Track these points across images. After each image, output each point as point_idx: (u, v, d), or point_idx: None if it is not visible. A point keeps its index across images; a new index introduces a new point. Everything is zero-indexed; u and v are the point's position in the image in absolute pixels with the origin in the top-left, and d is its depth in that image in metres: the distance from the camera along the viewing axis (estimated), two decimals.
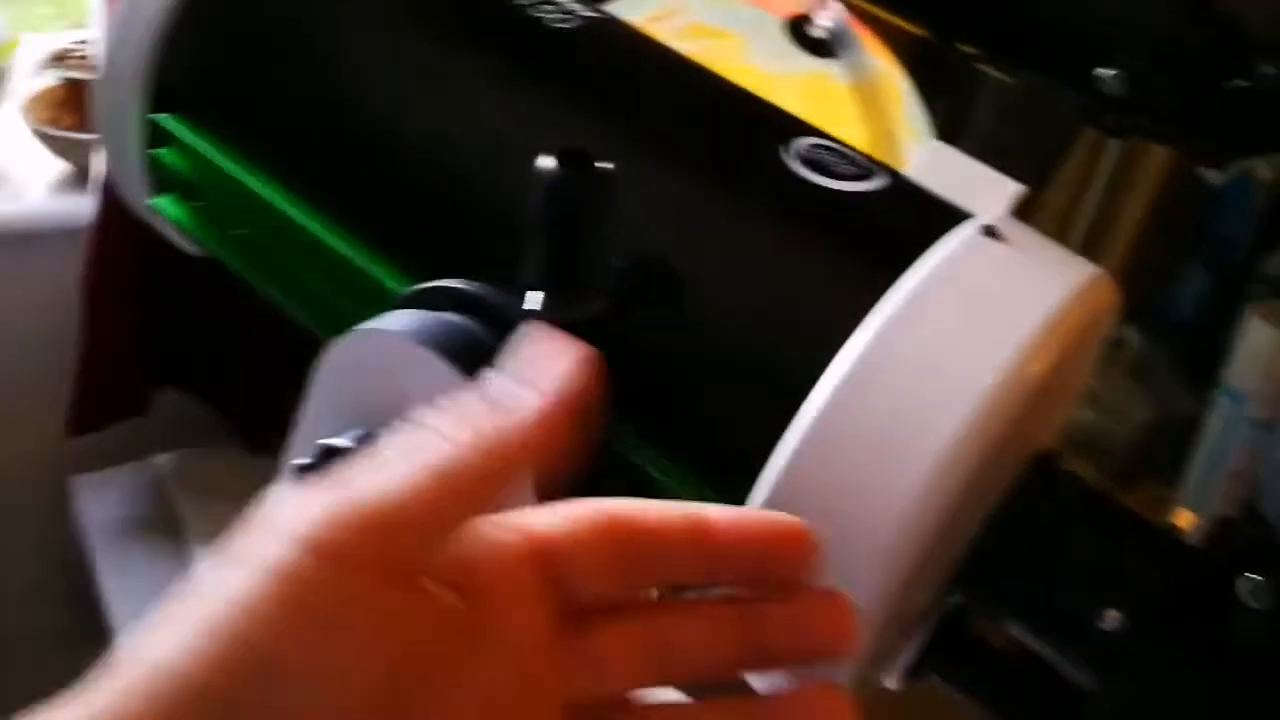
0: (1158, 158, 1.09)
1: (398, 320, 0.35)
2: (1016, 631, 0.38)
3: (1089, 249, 1.15)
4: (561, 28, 0.43)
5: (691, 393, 0.36)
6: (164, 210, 0.46)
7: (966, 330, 0.33)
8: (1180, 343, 1.12)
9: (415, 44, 0.43)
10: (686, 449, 0.35)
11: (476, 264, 0.37)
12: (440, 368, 0.33)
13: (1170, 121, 0.43)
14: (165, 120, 0.45)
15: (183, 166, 0.45)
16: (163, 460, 1.32)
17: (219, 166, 0.43)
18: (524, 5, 0.43)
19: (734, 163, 0.39)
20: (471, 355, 0.33)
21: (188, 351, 1.29)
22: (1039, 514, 0.37)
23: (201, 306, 1.20)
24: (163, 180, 0.46)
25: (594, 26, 0.43)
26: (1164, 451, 1.07)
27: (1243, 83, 0.41)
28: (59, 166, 1.32)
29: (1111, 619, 0.35)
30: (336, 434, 0.34)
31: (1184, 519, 1.00)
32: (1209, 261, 1.12)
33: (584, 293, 0.35)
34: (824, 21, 0.65)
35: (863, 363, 0.33)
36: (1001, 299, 0.34)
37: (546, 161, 0.33)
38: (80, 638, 1.11)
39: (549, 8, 0.44)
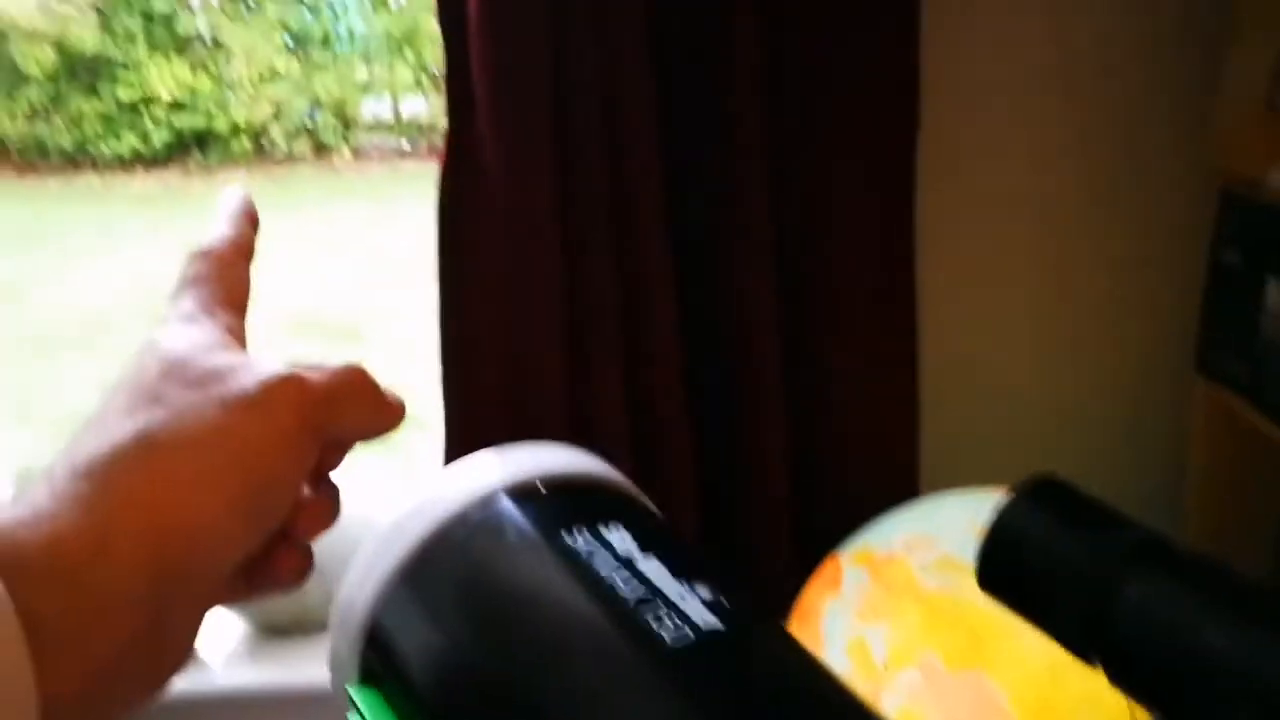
0: None
1: None
2: None
3: None
4: (669, 644, 0.45)
5: None
6: None
7: None
8: None
9: (529, 652, 0.47)
10: None
11: None
12: None
13: None
14: (357, 691, 0.52)
15: None
16: None
17: None
18: (644, 615, 0.47)
19: None
20: None
21: None
22: None
23: None
24: None
25: (706, 644, 0.46)
26: None
27: None
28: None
29: None
30: None
31: None
32: None
33: None
34: None
35: None
36: None
37: None
38: None
39: (671, 618, 0.47)
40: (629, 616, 0.48)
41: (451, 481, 0.57)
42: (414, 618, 0.53)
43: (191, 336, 0.37)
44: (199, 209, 5.15)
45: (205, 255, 0.41)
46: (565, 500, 0.57)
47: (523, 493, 0.57)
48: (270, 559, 0.37)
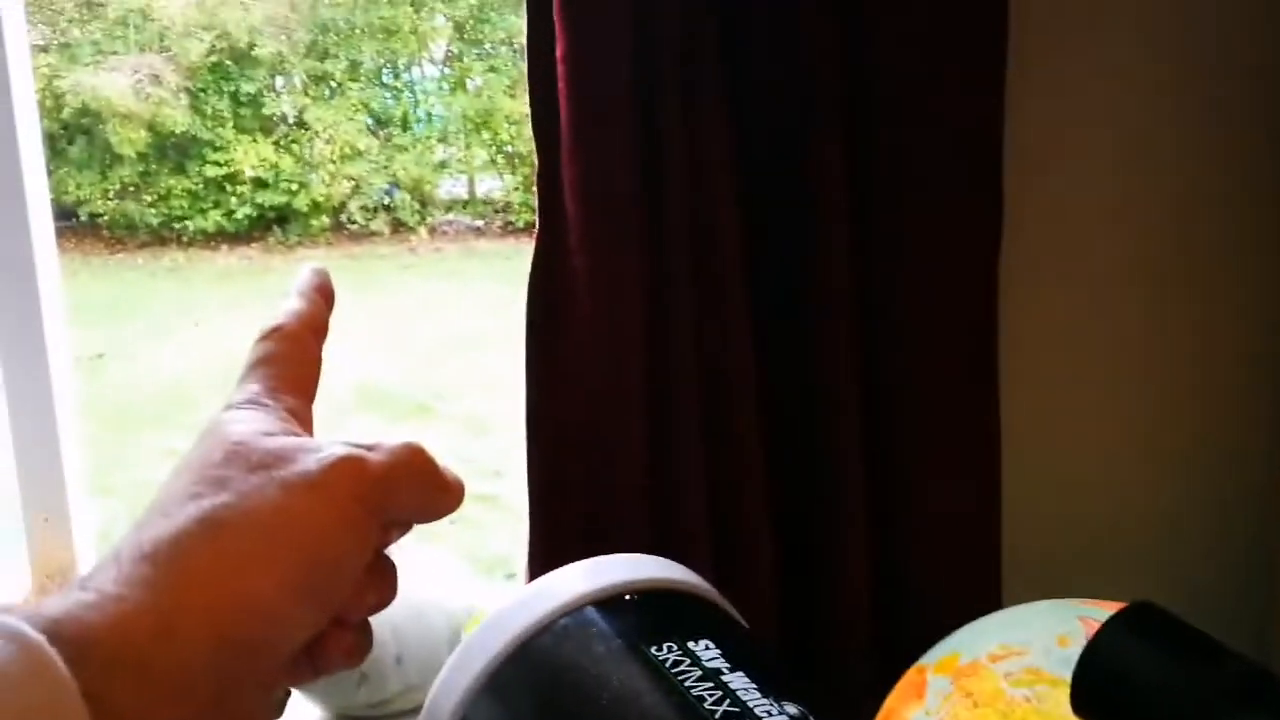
0: None
1: None
2: None
3: None
4: None
5: None
6: None
7: None
8: None
9: None
10: None
11: None
12: None
13: None
14: None
15: None
16: None
17: None
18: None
19: None
20: None
21: None
22: None
23: None
24: None
25: None
26: None
27: None
28: None
29: None
30: None
31: None
32: None
33: None
34: None
35: None
36: None
37: None
38: None
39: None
40: None
41: (541, 590, 0.58)
42: (497, 717, 0.54)
43: (255, 420, 0.38)
44: (278, 284, 5.27)
45: (275, 333, 0.42)
46: (653, 611, 0.57)
47: (610, 603, 0.57)
48: (326, 639, 0.37)
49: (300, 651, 0.36)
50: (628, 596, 0.58)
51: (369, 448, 0.37)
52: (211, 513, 0.34)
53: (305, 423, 0.40)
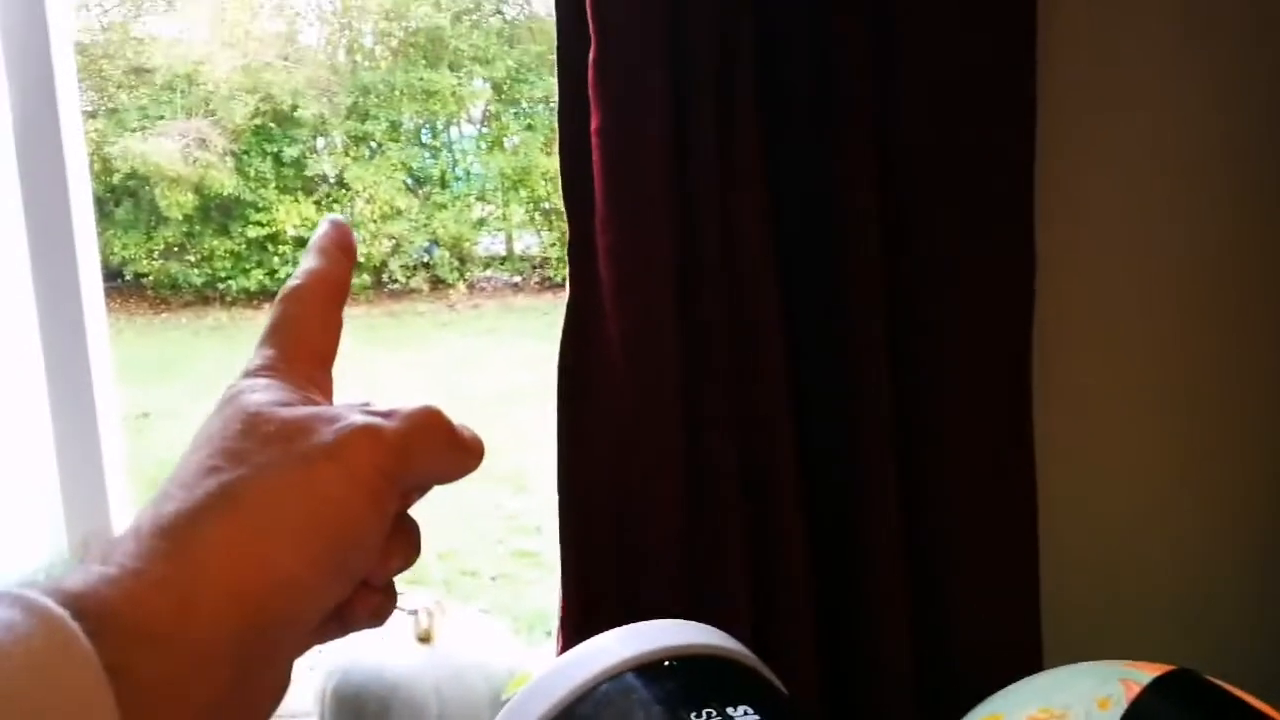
0: None
1: None
2: None
3: None
4: None
5: None
6: None
7: None
8: None
9: None
10: None
11: None
12: None
13: None
14: None
15: None
16: None
17: None
18: None
19: None
20: None
21: None
22: None
23: None
24: None
25: None
26: None
27: None
28: None
29: None
30: None
31: None
32: None
33: None
34: None
35: None
36: None
37: None
38: None
39: None
40: None
41: (582, 656, 0.58)
42: None
43: (271, 389, 0.37)
44: None
45: (292, 296, 0.41)
46: (692, 677, 0.58)
47: (650, 669, 0.58)
48: (352, 600, 0.37)
49: (327, 616, 0.36)
50: (667, 663, 0.58)
51: (386, 414, 0.37)
52: (230, 487, 0.33)
53: (324, 388, 0.40)
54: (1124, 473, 1.27)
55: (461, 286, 6.00)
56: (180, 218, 5.73)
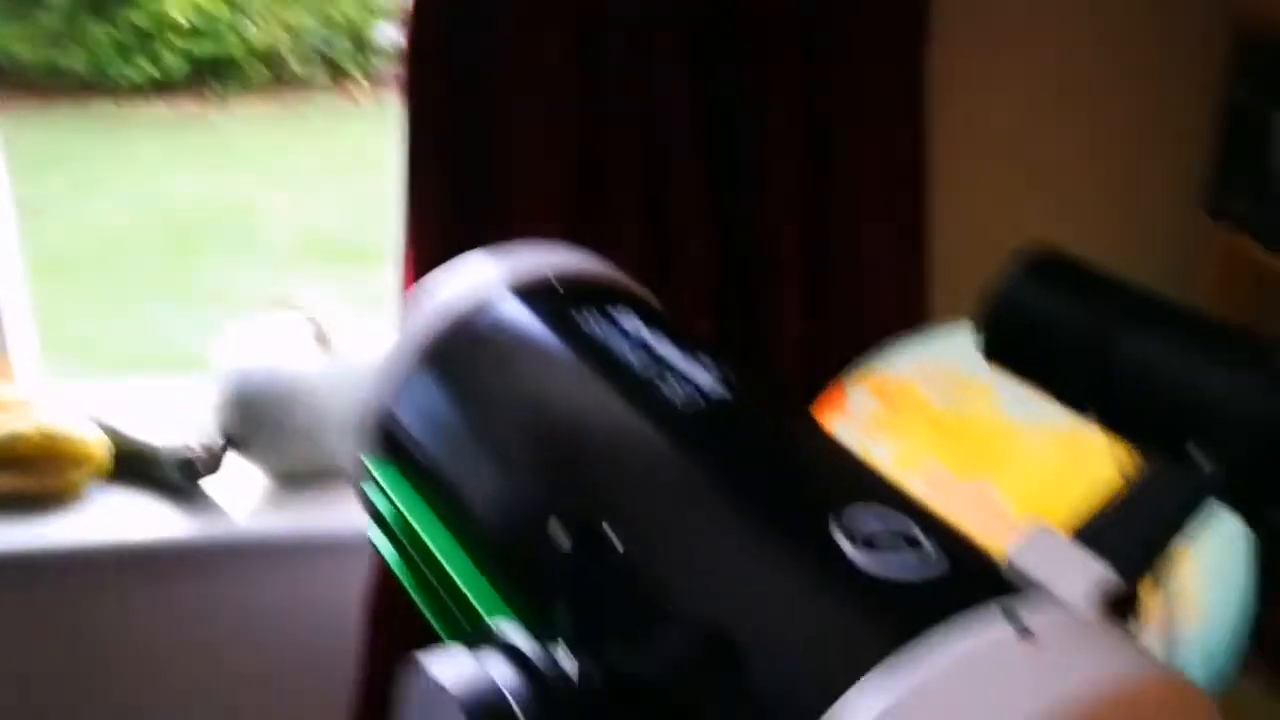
0: None
1: (448, 664, 0.38)
2: None
3: None
4: (676, 406, 0.47)
5: None
6: (376, 542, 0.54)
7: None
8: None
9: (542, 419, 0.49)
10: None
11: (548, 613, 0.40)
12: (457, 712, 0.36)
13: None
14: (372, 461, 0.53)
15: (381, 504, 0.53)
16: None
17: (391, 500, 0.50)
18: (651, 379, 0.48)
19: (777, 533, 0.41)
20: (486, 711, 0.36)
21: None
22: None
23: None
24: (373, 513, 0.54)
25: (710, 409, 0.47)
26: None
27: None
28: None
29: None
30: None
31: None
32: None
33: (611, 650, 0.37)
34: None
35: None
36: (1006, 705, 0.33)
37: (559, 534, 0.36)
38: None
39: (676, 383, 0.48)
40: (640, 384, 0.50)
41: (468, 276, 0.58)
42: (433, 399, 0.55)
43: None
44: (214, 136, 5.14)
45: None
46: (576, 291, 0.58)
47: (535, 286, 0.58)
48: None
49: None
50: (551, 278, 0.58)
51: None
52: None
53: None
54: (1018, 140, 1.30)
55: (363, 80, 5.80)
56: (61, 2, 5.42)
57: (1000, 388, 0.73)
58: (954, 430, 0.71)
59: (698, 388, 0.49)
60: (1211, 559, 0.74)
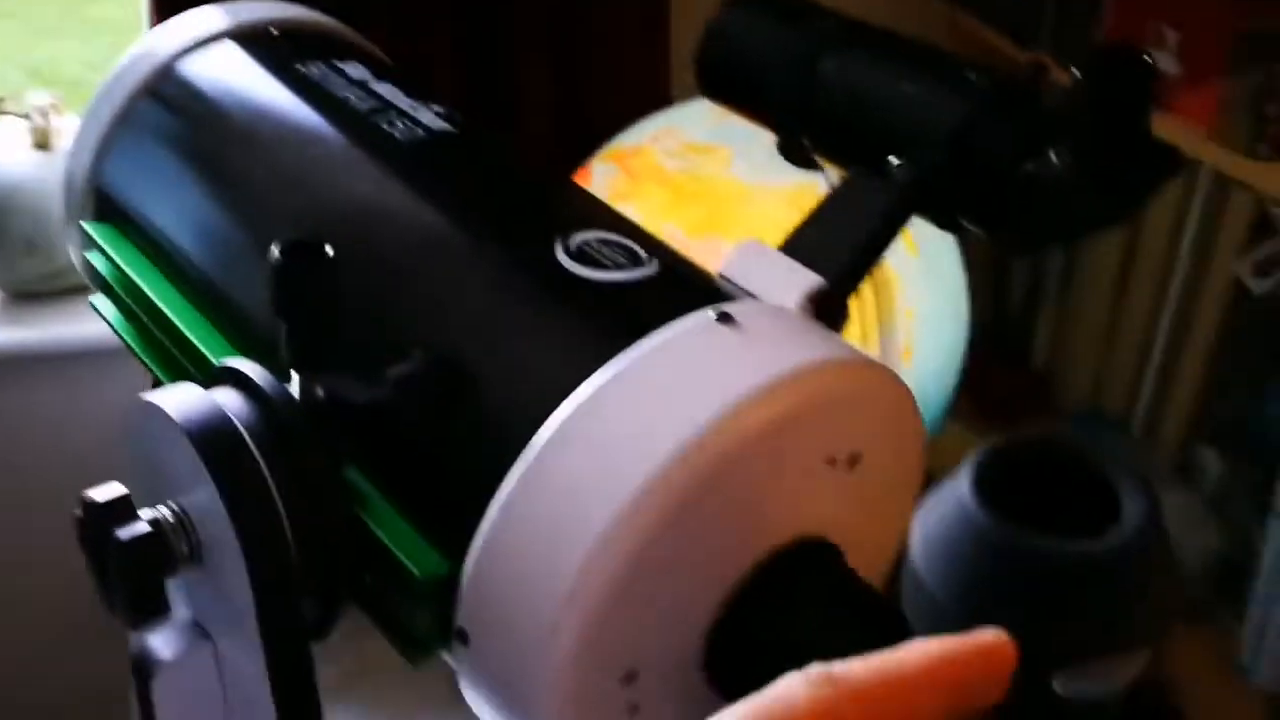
0: (1222, 271, 1.04)
1: (171, 395, 0.38)
2: None
3: (1168, 369, 1.10)
4: (397, 139, 0.47)
5: (425, 459, 0.39)
6: (99, 308, 0.52)
7: (660, 403, 0.34)
8: (1262, 468, 1.05)
9: (269, 159, 0.48)
10: (420, 512, 0.38)
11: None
12: (183, 440, 0.36)
13: (972, 212, 0.43)
14: (91, 226, 0.51)
15: (104, 267, 0.51)
16: None
17: (116, 262, 0.49)
18: (376, 121, 0.48)
19: (499, 252, 0.42)
20: (208, 431, 0.36)
21: None
22: (779, 597, 0.37)
23: None
24: (96, 280, 0.52)
25: (433, 140, 0.47)
26: (1234, 582, 1.00)
27: (1036, 171, 0.41)
28: None
29: None
30: (105, 487, 0.37)
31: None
32: None
33: (335, 367, 0.38)
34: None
35: (554, 430, 0.34)
36: (701, 378, 0.35)
37: (274, 251, 0.36)
38: None
39: (400, 121, 0.48)
40: (360, 121, 0.49)
41: (185, 26, 0.56)
42: (144, 148, 0.53)
43: None
44: None
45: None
46: (300, 40, 0.56)
47: (252, 35, 0.56)
48: None
49: None
50: (272, 30, 0.56)
51: None
52: None
53: None
54: None
55: None
56: None
57: (733, 151, 0.75)
58: (689, 193, 0.73)
59: (420, 123, 0.49)
60: (928, 308, 0.80)
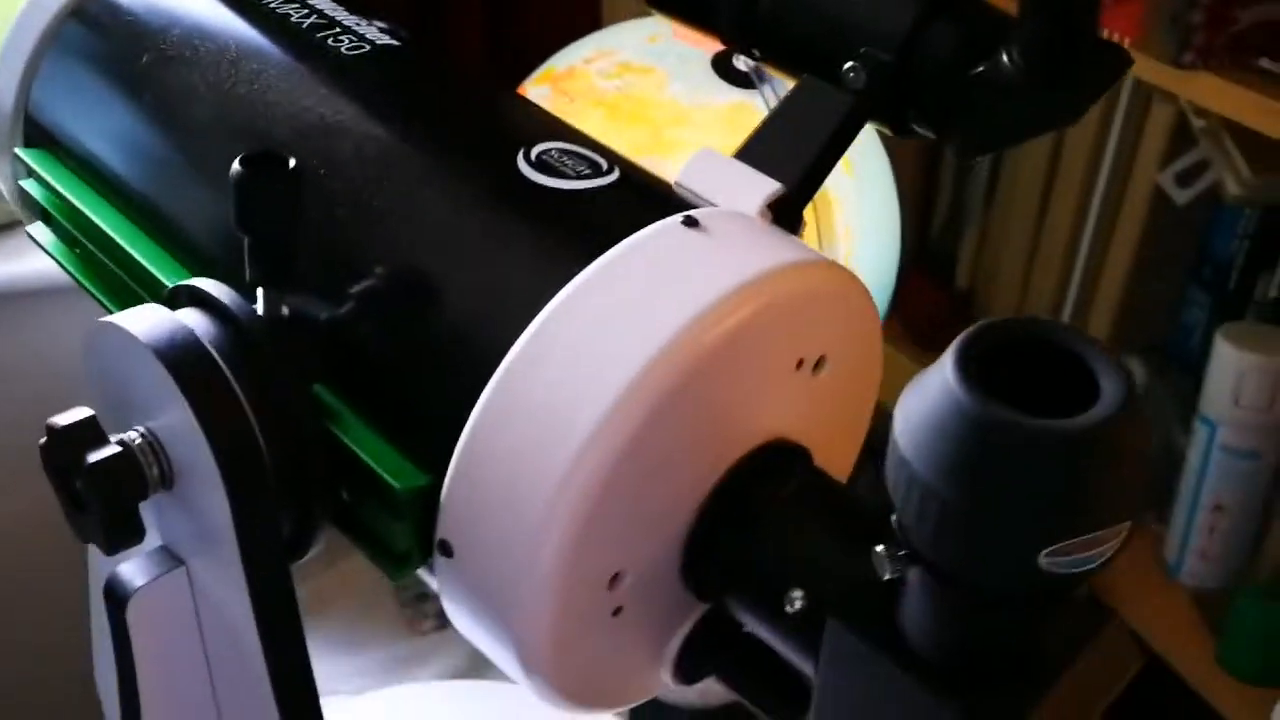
0: (1144, 183, 1.07)
1: (135, 316, 0.37)
2: (735, 614, 0.38)
3: (1091, 278, 1.13)
4: (344, 54, 0.46)
5: (398, 374, 0.38)
6: (36, 237, 0.51)
7: (630, 311, 0.34)
8: (1185, 375, 1.09)
9: (212, 76, 0.47)
10: (395, 427, 0.37)
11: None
12: (151, 360, 0.36)
13: (926, 115, 0.44)
14: (27, 153, 0.50)
15: (41, 195, 0.49)
16: None
17: (58, 190, 0.47)
18: (320, 37, 0.47)
19: (462, 165, 0.42)
20: (177, 350, 0.36)
21: None
22: (752, 499, 0.37)
23: None
24: (34, 209, 0.51)
25: (378, 54, 0.46)
26: (1161, 487, 1.04)
27: (987, 73, 0.41)
28: None
29: (796, 600, 0.35)
30: (71, 411, 0.37)
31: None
32: (1208, 289, 1.09)
33: (301, 284, 0.37)
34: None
35: (532, 337, 0.34)
36: (674, 281, 0.35)
37: (236, 164, 0.35)
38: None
39: (345, 38, 0.47)
40: (302, 36, 0.48)
41: None
42: (77, 75, 0.51)
43: None
44: None
45: None
46: None
47: None
48: None
49: None
50: None
51: None
52: None
53: None
54: None
55: None
56: None
57: (667, 73, 0.75)
58: (626, 113, 0.73)
59: (365, 39, 0.48)
60: (865, 227, 0.81)
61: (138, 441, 0.37)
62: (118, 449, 0.36)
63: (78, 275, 0.49)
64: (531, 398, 0.34)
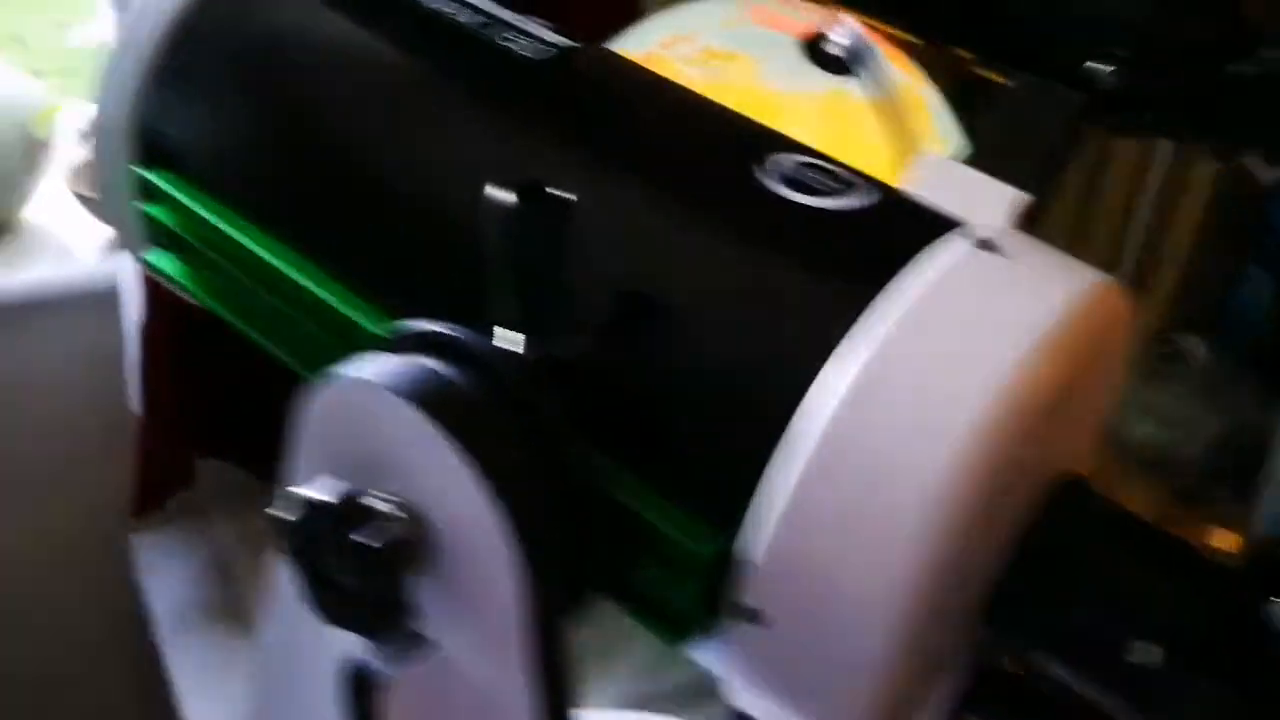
0: (1208, 162, 1.06)
1: (373, 367, 0.33)
2: (1047, 667, 0.36)
3: (1146, 260, 1.12)
4: (531, 58, 0.42)
5: (675, 424, 0.35)
6: (157, 264, 0.46)
7: (962, 349, 0.31)
8: (1250, 351, 1.08)
9: (386, 85, 0.42)
10: (673, 482, 0.34)
11: (454, 303, 0.36)
12: (413, 416, 0.32)
13: (1171, 114, 0.41)
14: (152, 174, 0.45)
15: (170, 220, 0.45)
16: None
17: (202, 218, 0.42)
18: (493, 37, 0.42)
19: (707, 185, 0.38)
20: (446, 403, 0.32)
21: (229, 420, 1.25)
22: (1065, 539, 0.35)
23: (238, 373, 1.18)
24: (156, 234, 0.46)
25: (567, 57, 0.42)
26: (1237, 467, 1.02)
27: (1242, 69, 0.39)
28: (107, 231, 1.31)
29: (1141, 651, 0.33)
30: (323, 482, 0.32)
31: (1228, 540, 0.96)
32: (1269, 263, 1.08)
33: (559, 328, 0.33)
34: (839, 38, 0.63)
35: (855, 387, 0.31)
36: (998, 313, 0.32)
37: (499, 194, 0.31)
38: None
39: (520, 38, 0.43)
40: (475, 38, 0.44)
41: None
42: (208, 88, 0.46)
43: None
44: None
45: None
46: None
47: None
48: None
49: None
50: None
51: None
52: None
53: None
54: None
55: None
56: None
57: (758, 58, 0.72)
58: (719, 97, 0.69)
59: (543, 40, 0.44)
60: None
61: (397, 512, 0.33)
62: (386, 522, 0.32)
63: (226, 312, 0.44)
64: (862, 451, 0.31)
